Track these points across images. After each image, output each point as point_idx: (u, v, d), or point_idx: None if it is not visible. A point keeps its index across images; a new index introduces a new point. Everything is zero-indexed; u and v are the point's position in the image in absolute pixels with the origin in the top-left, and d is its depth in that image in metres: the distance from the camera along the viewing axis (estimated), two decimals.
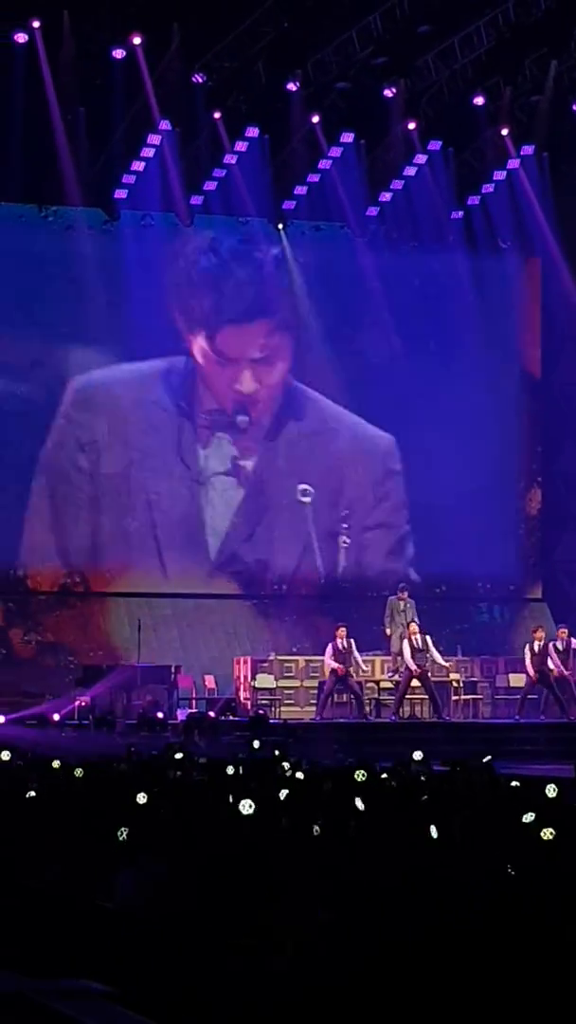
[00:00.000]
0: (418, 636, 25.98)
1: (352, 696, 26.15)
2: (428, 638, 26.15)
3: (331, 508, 30.52)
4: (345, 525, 30.67)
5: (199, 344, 29.93)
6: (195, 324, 29.85)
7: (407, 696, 26.57)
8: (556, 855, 8.64)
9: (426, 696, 26.55)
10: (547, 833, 9.39)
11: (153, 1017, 6.24)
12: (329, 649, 25.82)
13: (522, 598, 31.38)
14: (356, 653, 25.94)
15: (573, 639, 26.52)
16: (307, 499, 30.29)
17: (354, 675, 26.08)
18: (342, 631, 25.86)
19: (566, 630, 26.79)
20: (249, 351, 30.28)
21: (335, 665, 25.62)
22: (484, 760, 15.54)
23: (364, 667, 26.44)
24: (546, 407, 31.93)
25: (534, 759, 22.20)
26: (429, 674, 26.16)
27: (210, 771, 14.20)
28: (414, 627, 26.19)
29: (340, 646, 25.69)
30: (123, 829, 9.23)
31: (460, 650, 28.97)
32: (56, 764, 14.60)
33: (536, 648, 26.16)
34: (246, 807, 9.87)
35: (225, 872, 8.26)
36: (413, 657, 25.78)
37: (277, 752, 17.77)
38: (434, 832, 9.17)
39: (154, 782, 12.41)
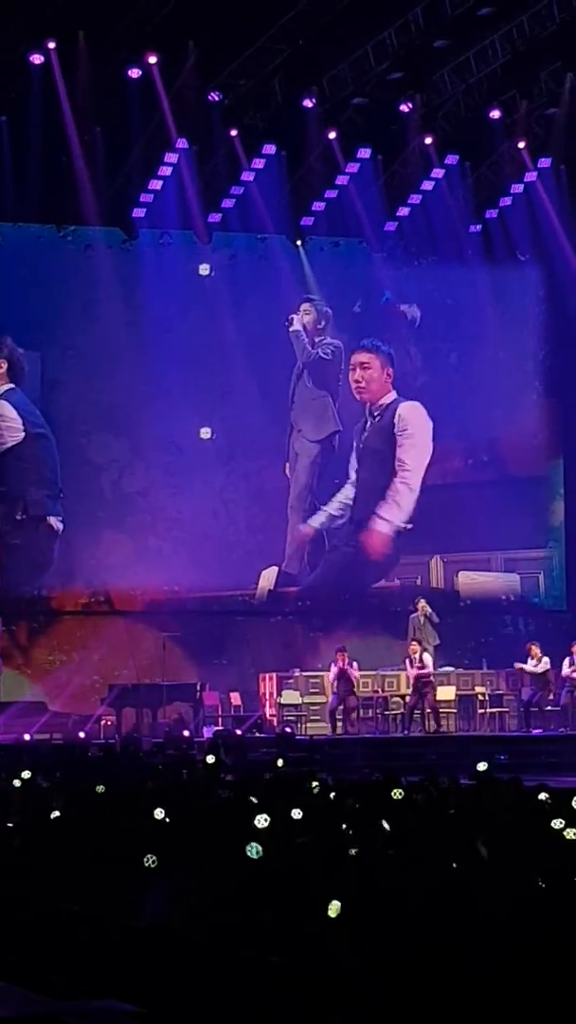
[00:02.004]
0: (417, 654, 26.24)
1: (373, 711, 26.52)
2: (427, 656, 26.38)
3: (353, 523, 30.46)
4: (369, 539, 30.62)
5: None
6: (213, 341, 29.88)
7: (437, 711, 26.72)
8: None
9: (453, 711, 26.67)
10: (571, 833, 9.39)
11: None
12: (333, 670, 26.10)
13: (547, 610, 31.31)
14: (354, 672, 26.23)
15: None
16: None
17: (356, 694, 26.56)
18: (341, 655, 26.18)
19: None
20: None
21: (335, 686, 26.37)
22: (480, 767, 15.56)
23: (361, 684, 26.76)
24: (567, 419, 31.86)
25: (561, 772, 22.17)
26: (432, 692, 26.40)
27: (236, 789, 14.16)
28: (415, 646, 26.41)
29: (342, 666, 26.07)
30: (150, 856, 9.19)
31: (485, 663, 28.97)
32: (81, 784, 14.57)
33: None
34: (261, 821, 9.84)
35: (250, 889, 8.24)
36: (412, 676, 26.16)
37: (305, 769, 17.75)
38: (463, 848, 9.13)
39: (180, 800, 12.38)
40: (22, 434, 28.86)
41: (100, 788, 13.75)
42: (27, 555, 28.79)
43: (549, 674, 26.54)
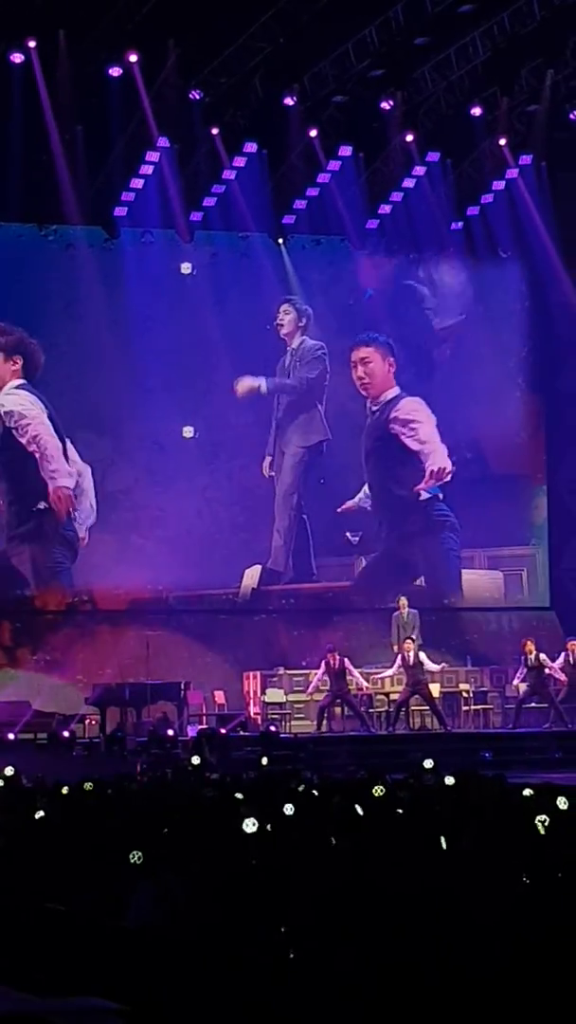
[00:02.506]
0: (411, 652, 26.18)
1: (354, 711, 26.42)
2: (422, 653, 26.37)
3: (337, 521, 30.47)
4: (354, 540, 30.62)
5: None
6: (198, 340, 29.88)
7: (417, 708, 26.70)
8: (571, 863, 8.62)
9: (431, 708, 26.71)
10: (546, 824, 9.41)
11: None
12: (321, 668, 26.05)
13: (531, 607, 31.34)
14: (353, 671, 26.21)
15: None
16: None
17: (353, 691, 26.42)
18: (334, 655, 26.14)
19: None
20: None
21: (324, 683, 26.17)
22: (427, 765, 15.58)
23: (362, 682, 26.63)
24: (550, 416, 31.91)
25: (546, 768, 22.22)
26: (428, 689, 26.37)
27: (221, 788, 14.17)
28: (408, 644, 26.37)
29: (333, 666, 25.95)
30: (136, 853, 9.19)
31: (469, 660, 29.01)
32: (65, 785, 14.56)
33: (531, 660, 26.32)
34: (249, 826, 9.83)
35: (237, 888, 8.24)
36: (408, 673, 26.06)
37: (289, 767, 17.76)
38: (444, 843, 9.14)
39: (165, 800, 12.38)
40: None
41: (88, 785, 13.75)
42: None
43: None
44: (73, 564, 29.06)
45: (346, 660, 26.30)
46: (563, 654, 26.65)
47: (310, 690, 26.64)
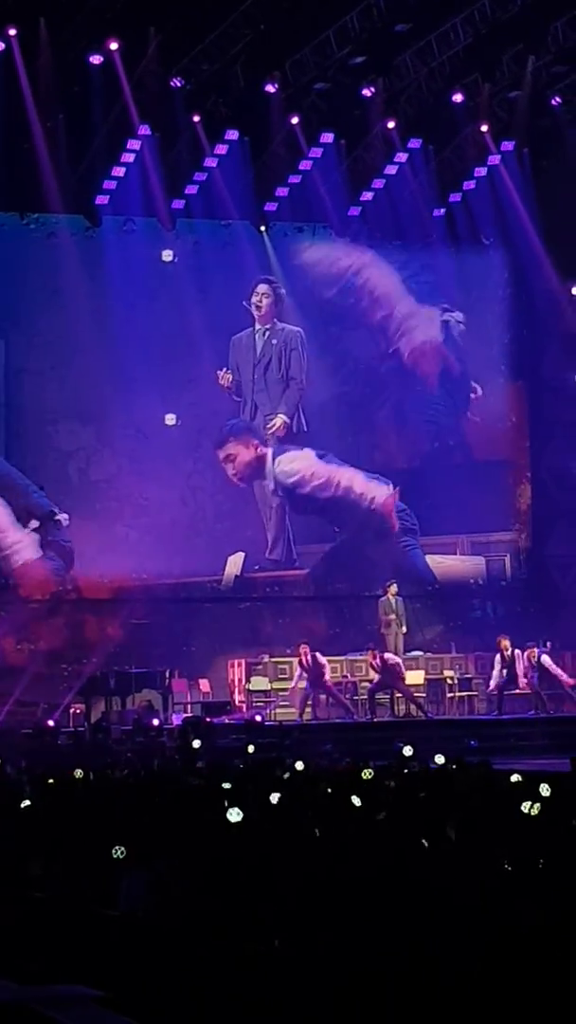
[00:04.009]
0: (393, 638, 26.38)
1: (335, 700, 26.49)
2: (399, 643, 26.55)
3: (321, 509, 30.49)
4: (336, 528, 30.66)
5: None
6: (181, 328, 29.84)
7: (400, 696, 26.77)
8: (552, 846, 8.65)
9: (422, 695, 26.76)
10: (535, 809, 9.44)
11: (147, 1021, 6.24)
12: (297, 670, 26.13)
13: (515, 594, 31.38)
14: (323, 661, 26.25)
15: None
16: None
17: (338, 679, 26.49)
18: (304, 648, 26.10)
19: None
20: None
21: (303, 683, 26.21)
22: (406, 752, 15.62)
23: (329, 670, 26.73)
24: (532, 402, 31.95)
25: (530, 754, 22.26)
26: (414, 673, 26.47)
27: (207, 776, 14.18)
28: (392, 628, 26.53)
29: (306, 662, 25.94)
30: (119, 848, 9.18)
31: (454, 647, 29.05)
32: (51, 773, 14.57)
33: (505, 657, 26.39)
34: (234, 815, 9.85)
35: (225, 876, 8.25)
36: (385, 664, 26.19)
37: (275, 755, 17.78)
38: (428, 831, 9.17)
39: (151, 788, 12.39)
40: None
41: (79, 773, 13.75)
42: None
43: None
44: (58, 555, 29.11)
45: (317, 654, 26.31)
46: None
47: (295, 683, 26.60)
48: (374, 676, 26.53)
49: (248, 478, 30.10)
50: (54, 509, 28.82)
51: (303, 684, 26.28)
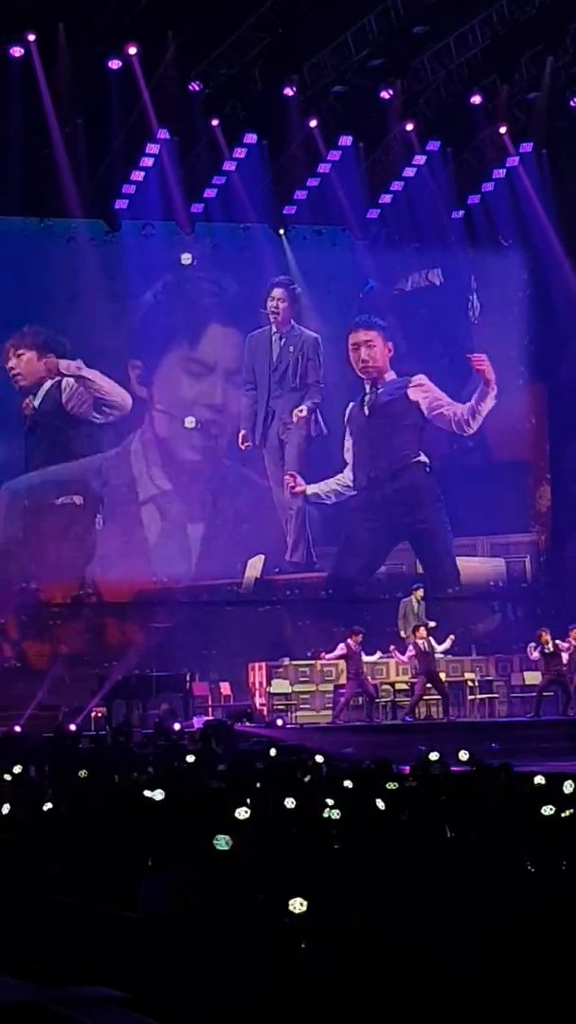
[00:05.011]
0: (424, 640, 26.16)
1: (367, 699, 26.39)
2: (433, 640, 26.34)
3: (336, 511, 30.48)
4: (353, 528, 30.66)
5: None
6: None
7: (424, 699, 26.71)
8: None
9: (439, 697, 26.68)
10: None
11: (170, 1022, 6.24)
12: (341, 648, 26.02)
13: (535, 595, 31.34)
14: (365, 657, 26.25)
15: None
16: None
17: (368, 678, 26.40)
18: (357, 637, 26.09)
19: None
20: None
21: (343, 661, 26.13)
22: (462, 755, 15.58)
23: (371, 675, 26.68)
24: (552, 404, 31.90)
25: (552, 757, 22.20)
26: (441, 675, 26.37)
27: (228, 779, 14.19)
28: (422, 631, 26.35)
29: (354, 650, 25.92)
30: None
31: (474, 649, 29.01)
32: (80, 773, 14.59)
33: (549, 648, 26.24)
34: (241, 813, 9.84)
35: (244, 878, 8.26)
36: (420, 660, 26.07)
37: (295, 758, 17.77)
38: (449, 832, 9.16)
39: (174, 791, 12.39)
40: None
41: (83, 772, 13.75)
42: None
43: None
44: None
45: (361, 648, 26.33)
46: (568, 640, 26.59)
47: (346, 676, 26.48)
48: (404, 679, 26.51)
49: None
50: None
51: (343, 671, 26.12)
